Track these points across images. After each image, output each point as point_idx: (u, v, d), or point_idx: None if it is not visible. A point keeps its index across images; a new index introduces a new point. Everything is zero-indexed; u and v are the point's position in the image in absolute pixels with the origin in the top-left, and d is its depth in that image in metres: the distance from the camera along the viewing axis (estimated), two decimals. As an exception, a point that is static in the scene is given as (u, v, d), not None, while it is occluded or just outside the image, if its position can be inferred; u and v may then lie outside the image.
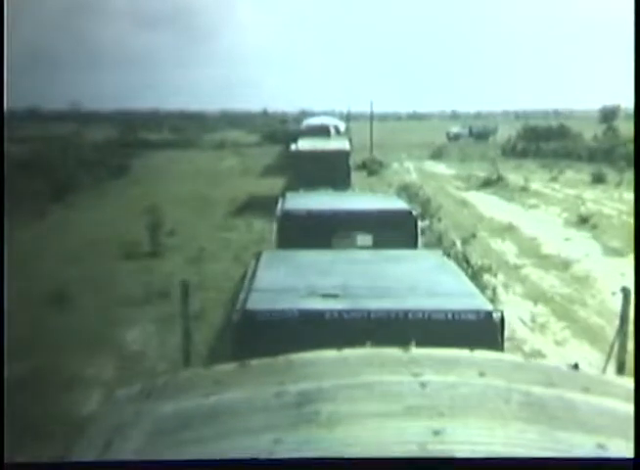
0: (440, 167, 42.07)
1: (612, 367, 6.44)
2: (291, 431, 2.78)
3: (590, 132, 55.55)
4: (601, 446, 2.66)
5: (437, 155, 48.40)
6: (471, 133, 66.28)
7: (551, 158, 44.10)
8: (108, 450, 2.82)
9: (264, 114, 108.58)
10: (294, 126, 54.49)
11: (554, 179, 34.29)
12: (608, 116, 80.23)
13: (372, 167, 37.69)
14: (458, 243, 17.23)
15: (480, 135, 65.02)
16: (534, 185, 31.76)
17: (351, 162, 29.03)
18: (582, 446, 2.66)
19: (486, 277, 13.68)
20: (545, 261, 17.22)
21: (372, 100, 58.41)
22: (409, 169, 40.84)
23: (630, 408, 3.05)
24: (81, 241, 19.07)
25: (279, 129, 59.80)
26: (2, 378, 4.23)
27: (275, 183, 27.84)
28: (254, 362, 3.47)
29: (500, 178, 32.70)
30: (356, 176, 29.71)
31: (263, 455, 2.62)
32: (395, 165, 42.07)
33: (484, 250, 18.26)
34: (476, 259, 15.01)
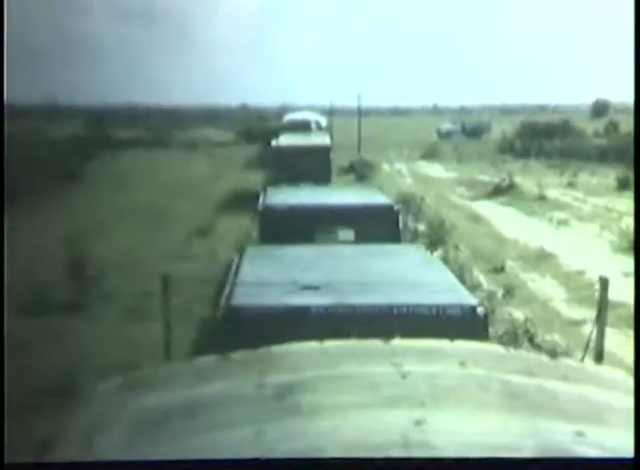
0: (436, 170, 38.21)
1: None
2: (273, 422, 2.79)
3: (587, 128, 52.51)
4: (580, 434, 2.68)
5: (430, 154, 44.43)
6: (464, 130, 61.75)
7: (557, 157, 40.37)
8: (89, 444, 2.81)
9: (243, 108, 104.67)
10: (273, 122, 52.76)
11: (571, 185, 30.22)
12: (599, 110, 77.77)
13: (361, 171, 33.07)
14: (499, 293, 13.25)
15: (474, 132, 60.83)
16: (551, 192, 27.60)
17: (338, 163, 28.52)
18: (562, 434, 2.69)
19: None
20: (611, 313, 10.30)
21: (359, 93, 51.96)
22: (402, 172, 37.15)
23: (609, 396, 3.10)
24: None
25: (256, 126, 56.46)
26: (2, 378, 4.20)
27: (247, 191, 23.37)
28: (235, 355, 3.48)
29: (512, 185, 28.52)
30: (343, 181, 27.57)
31: (246, 448, 2.63)
32: (386, 167, 38.27)
33: (524, 295, 13.90)
34: (518, 313, 11.99)
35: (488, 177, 31.88)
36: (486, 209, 25.08)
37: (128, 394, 3.21)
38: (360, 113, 47.34)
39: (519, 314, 11.98)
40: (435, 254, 9.60)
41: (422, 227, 18.17)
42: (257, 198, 12.24)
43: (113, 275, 14.50)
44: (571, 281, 15.00)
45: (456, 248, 16.31)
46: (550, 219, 22.35)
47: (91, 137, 48.20)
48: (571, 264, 16.12)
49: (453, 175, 34.91)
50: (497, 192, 28.03)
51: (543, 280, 15.25)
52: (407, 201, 21.08)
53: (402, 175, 35.80)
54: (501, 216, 23.47)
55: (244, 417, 2.85)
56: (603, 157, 38.10)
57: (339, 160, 32.56)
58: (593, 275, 13.40)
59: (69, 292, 13.08)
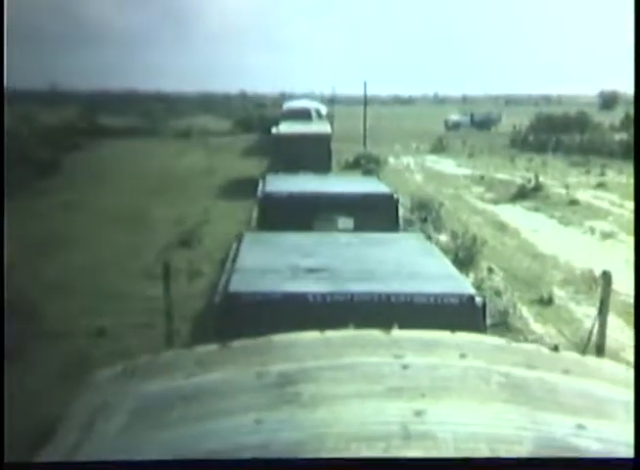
0: (447, 165, 34.75)
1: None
2: (272, 411, 2.80)
3: (603, 121, 49.23)
4: (580, 427, 2.69)
5: (439, 148, 41.00)
6: (472, 121, 58.09)
7: (577, 153, 36.76)
8: (90, 431, 2.82)
9: (242, 96, 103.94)
10: (272, 110, 52.14)
11: (602, 186, 26.59)
12: (608, 102, 74.04)
13: (367, 166, 30.04)
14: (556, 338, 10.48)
15: (483, 124, 57.24)
16: (581, 195, 24.36)
17: (342, 157, 27.85)
18: (562, 426, 2.69)
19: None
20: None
21: (365, 81, 47.06)
22: (410, 167, 33.92)
23: (609, 390, 3.11)
24: None
25: (254, 115, 54.56)
26: (2, 378, 4.19)
27: (243, 190, 18.87)
28: (236, 343, 3.48)
29: (538, 186, 24.96)
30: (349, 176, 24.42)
31: (245, 436, 2.64)
32: (392, 161, 34.81)
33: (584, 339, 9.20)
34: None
35: (507, 175, 29.22)
36: (512, 214, 21.63)
37: (129, 381, 3.21)
38: (366, 102, 43.06)
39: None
40: (468, 279, 8.00)
41: (443, 237, 16.15)
42: (256, 185, 12.21)
43: (53, 306, 11.40)
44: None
45: (490, 271, 14.22)
46: (592, 230, 18.92)
47: (80, 125, 46.10)
48: (631, 293, 11.75)
49: (467, 172, 31.70)
50: (521, 194, 24.56)
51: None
52: (424, 205, 18.89)
53: (411, 171, 32.67)
54: (531, 225, 19.89)
55: (244, 406, 2.86)
56: (628, 152, 32.55)
57: (343, 152, 30.94)
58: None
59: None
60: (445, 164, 34.80)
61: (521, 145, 41.35)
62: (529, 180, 25.74)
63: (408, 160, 36.44)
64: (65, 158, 30.11)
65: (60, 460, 2.69)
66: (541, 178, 26.28)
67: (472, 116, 59.36)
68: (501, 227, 19.59)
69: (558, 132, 42.81)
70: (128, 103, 72.39)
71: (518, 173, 29.38)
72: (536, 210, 22.22)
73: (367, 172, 27.62)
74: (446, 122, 57.66)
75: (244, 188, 19.01)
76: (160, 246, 15.56)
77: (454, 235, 15.85)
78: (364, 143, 37.61)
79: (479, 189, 26.77)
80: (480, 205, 23.51)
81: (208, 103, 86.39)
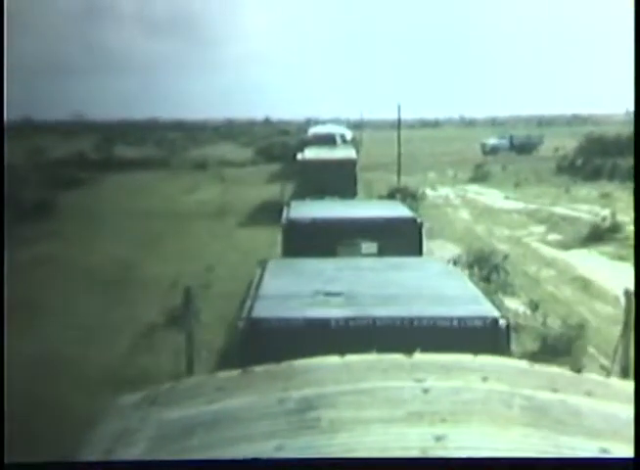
0: (493, 197, 30.41)
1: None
2: (293, 437, 2.79)
3: None
4: (604, 451, 2.65)
5: (479, 176, 36.84)
6: (512, 145, 53.44)
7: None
8: (110, 456, 2.83)
9: (266, 122, 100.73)
10: (296, 137, 50.67)
11: None
12: None
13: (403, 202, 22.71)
14: None
15: (523, 147, 52.55)
16: None
17: (375, 191, 26.03)
18: (585, 451, 2.66)
19: None
20: None
21: (399, 103, 40.72)
22: (450, 200, 29.92)
23: (633, 412, 3.06)
24: None
25: (277, 142, 51.88)
26: (2, 378, 4.22)
27: (262, 238, 16.21)
28: (257, 369, 3.48)
29: (616, 226, 20.22)
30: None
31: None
32: (430, 193, 30.42)
33: None
34: None
35: (567, 210, 25.07)
36: (592, 265, 16.99)
37: (150, 407, 3.22)
38: (400, 127, 36.90)
39: None
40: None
41: (515, 305, 12.43)
42: (281, 212, 12.25)
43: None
44: None
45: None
46: None
47: (92, 157, 44.44)
48: None
49: (518, 206, 27.35)
50: (596, 236, 19.97)
51: None
52: (483, 259, 14.61)
53: (453, 205, 28.55)
54: (622, 281, 12.35)
55: (264, 432, 2.86)
56: None
57: (375, 183, 28.67)
58: None
59: None
60: (491, 196, 30.59)
61: (570, 171, 36.85)
62: (604, 218, 20.94)
63: (447, 191, 32.58)
64: (61, 196, 27.03)
65: (60, 461, 2.71)
66: (605, 211, 22.15)
67: (511, 138, 54.85)
68: (585, 286, 14.93)
69: (611, 155, 37.01)
70: (148, 132, 70.17)
71: (580, 207, 25.27)
72: (620, 257, 17.13)
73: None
74: (483, 147, 53.15)
75: (258, 235, 16.69)
76: (143, 325, 11.96)
77: (532, 305, 12.43)
78: (398, 173, 32.81)
79: (538, 229, 22.27)
80: (548, 251, 18.83)
81: (231, 130, 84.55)
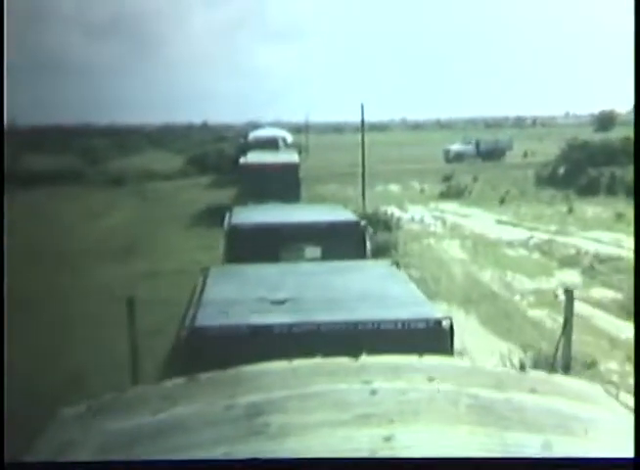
0: (480, 220, 25.14)
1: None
2: (241, 444, 2.77)
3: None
4: (546, 445, 2.71)
5: (454, 191, 31.48)
6: (478, 151, 48.16)
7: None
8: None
9: (204, 127, 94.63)
10: (234, 143, 47.51)
11: None
12: (604, 122, 67.89)
13: (373, 238, 13.81)
14: None
15: (492, 154, 47.39)
16: None
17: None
18: (529, 446, 2.71)
19: None
20: None
21: (362, 103, 31.78)
22: (429, 226, 24.27)
23: (575, 407, 3.13)
24: None
25: (212, 150, 46.65)
26: (2, 378, 4.11)
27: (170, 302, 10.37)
28: (203, 376, 3.46)
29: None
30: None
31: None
32: (405, 218, 25.12)
33: None
34: None
35: (588, 240, 19.73)
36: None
37: (94, 418, 3.16)
38: (364, 131, 27.98)
39: None
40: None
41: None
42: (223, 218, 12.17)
43: None
44: None
45: None
46: None
47: None
48: None
49: (520, 235, 21.32)
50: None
51: None
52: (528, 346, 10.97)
53: (436, 234, 22.61)
54: None
55: (212, 439, 2.83)
56: None
57: (328, 200, 22.85)
58: None
59: None
60: (478, 220, 25.12)
61: (553, 181, 31.91)
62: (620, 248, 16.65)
63: (420, 211, 26.99)
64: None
65: (60, 461, 2.66)
66: (613, 235, 18.10)
67: (477, 144, 49.49)
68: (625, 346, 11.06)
69: (602, 165, 32.17)
70: (75, 138, 62.19)
71: (602, 236, 20.22)
72: None
73: (378, 252, 14.03)
74: (447, 153, 48.03)
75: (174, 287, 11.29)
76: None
77: None
78: (362, 193, 25.28)
79: (571, 276, 16.00)
80: (608, 324, 12.55)
81: (164, 136, 78.38)
